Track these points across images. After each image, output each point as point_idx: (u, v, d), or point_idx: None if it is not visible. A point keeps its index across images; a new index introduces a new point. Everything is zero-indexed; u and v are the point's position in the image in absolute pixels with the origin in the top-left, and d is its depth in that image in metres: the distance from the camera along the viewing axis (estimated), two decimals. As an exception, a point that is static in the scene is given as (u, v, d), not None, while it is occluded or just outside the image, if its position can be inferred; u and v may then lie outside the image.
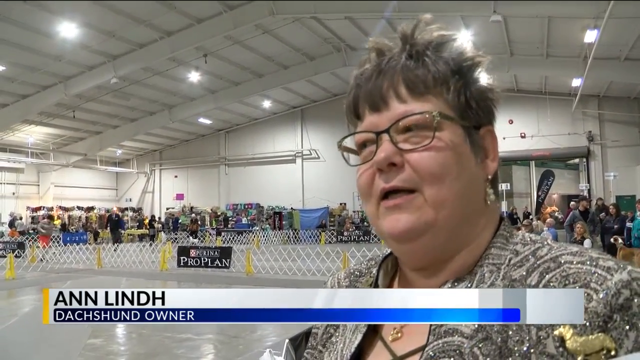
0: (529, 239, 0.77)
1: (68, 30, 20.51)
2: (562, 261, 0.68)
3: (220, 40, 22.77)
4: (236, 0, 20.57)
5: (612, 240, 12.57)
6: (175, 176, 42.28)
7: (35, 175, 38.26)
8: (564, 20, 18.86)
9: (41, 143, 35.31)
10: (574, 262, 0.67)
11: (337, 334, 0.89)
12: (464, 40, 0.85)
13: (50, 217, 28.33)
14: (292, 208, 35.85)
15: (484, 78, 0.82)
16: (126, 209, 40.83)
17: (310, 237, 31.84)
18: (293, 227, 34.22)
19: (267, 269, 15.81)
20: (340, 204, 35.04)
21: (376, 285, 0.88)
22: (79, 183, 40.22)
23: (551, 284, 0.66)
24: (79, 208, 37.74)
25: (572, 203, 15.80)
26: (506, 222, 0.82)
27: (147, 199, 43.65)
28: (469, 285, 0.74)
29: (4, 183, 35.85)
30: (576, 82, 24.11)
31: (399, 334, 0.79)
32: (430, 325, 0.72)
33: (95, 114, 31.59)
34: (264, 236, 30.78)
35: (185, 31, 21.94)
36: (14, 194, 36.41)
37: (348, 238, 30.44)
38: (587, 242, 12.31)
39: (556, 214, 25.40)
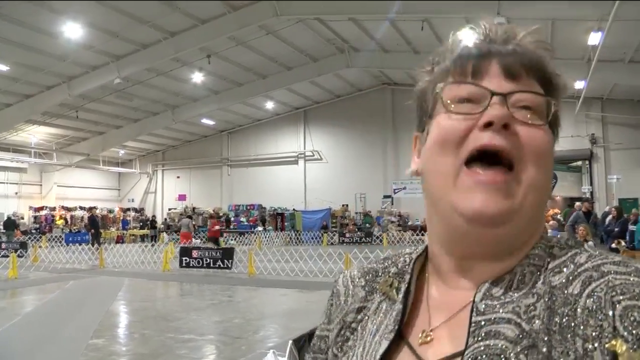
0: (564, 243, 0.74)
1: (72, 30, 20.56)
2: (606, 270, 0.64)
3: (224, 41, 22.79)
4: (240, 0, 20.59)
5: (614, 244, 12.55)
6: (178, 177, 42.33)
7: (38, 175, 38.34)
8: (568, 22, 18.84)
9: (44, 143, 35.37)
10: (620, 273, 0.63)
11: (354, 337, 0.83)
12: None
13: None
14: (294, 209, 35.85)
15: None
16: (128, 209, 40.90)
17: (312, 238, 31.85)
18: (295, 228, 34.22)
19: (269, 270, 15.81)
20: (343, 205, 35.03)
21: (408, 291, 0.81)
22: (82, 183, 40.28)
23: (595, 295, 0.62)
24: (81, 208, 37.78)
25: (577, 204, 15.76)
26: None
27: (150, 199, 43.71)
28: (510, 285, 0.69)
29: (7, 183, 35.92)
30: (580, 85, 24.05)
31: (428, 338, 0.73)
32: (470, 326, 0.67)
33: (98, 114, 31.65)
34: (266, 237, 30.78)
35: (189, 32, 21.97)
36: (16, 193, 36.49)
37: (350, 239, 30.42)
38: (589, 245, 12.29)
39: (558, 216, 25.36)
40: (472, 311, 0.68)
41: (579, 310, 0.61)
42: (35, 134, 33.50)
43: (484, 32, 0.79)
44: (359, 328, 0.83)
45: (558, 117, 0.78)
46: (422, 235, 25.80)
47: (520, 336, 0.63)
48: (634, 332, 0.57)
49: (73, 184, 39.47)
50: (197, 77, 27.10)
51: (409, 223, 32.22)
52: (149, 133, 36.21)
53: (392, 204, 32.89)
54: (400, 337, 0.77)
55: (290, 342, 3.80)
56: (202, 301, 11.49)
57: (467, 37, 0.80)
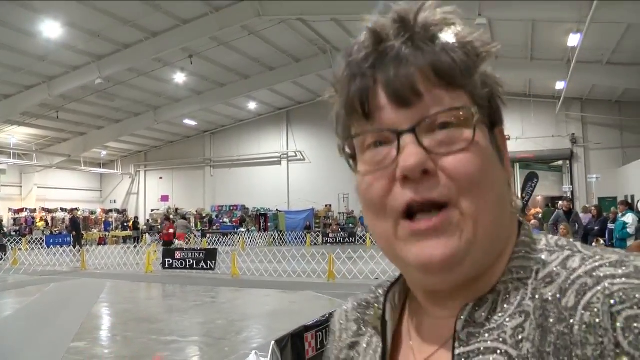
0: (554, 245, 0.64)
1: (52, 29, 20.33)
2: (602, 275, 0.55)
3: (206, 41, 22.71)
4: (222, 0, 20.54)
5: (594, 243, 12.73)
6: (160, 178, 42.07)
7: (18, 177, 37.84)
8: (548, 24, 19.07)
9: (24, 144, 34.91)
10: (618, 276, 0.54)
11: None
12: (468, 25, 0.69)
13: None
14: (277, 210, 35.82)
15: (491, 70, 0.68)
16: (111, 210, 40.56)
17: (295, 238, 31.85)
18: (278, 228, 34.20)
19: (252, 270, 15.80)
20: (326, 205, 35.09)
21: (384, 322, 0.73)
22: (63, 184, 39.85)
23: (592, 306, 0.53)
24: (62, 210, 37.38)
25: (560, 203, 15.96)
26: (526, 225, 0.68)
27: (132, 200, 43.38)
28: (493, 307, 0.61)
29: (-14, 184, 35.43)
30: (560, 85, 24.41)
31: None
32: (455, 356, 0.61)
33: (79, 115, 31.34)
34: (249, 238, 30.72)
35: (171, 32, 21.86)
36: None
37: (334, 240, 30.47)
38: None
39: (540, 215, 25.63)
40: (454, 342, 0.61)
41: (575, 326, 0.53)
42: (14, 135, 33.06)
43: (381, 31, 0.66)
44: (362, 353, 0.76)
45: (493, 98, 0.67)
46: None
47: None
48: (639, 346, 0.50)
49: (54, 185, 39.03)
50: (179, 78, 26.96)
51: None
52: (131, 134, 35.94)
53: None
54: None
55: (273, 342, 3.83)
56: (185, 302, 11.46)
57: (357, 51, 0.68)
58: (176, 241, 25.41)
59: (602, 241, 12.94)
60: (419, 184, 0.60)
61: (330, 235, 31.30)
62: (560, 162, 30.75)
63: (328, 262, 14.46)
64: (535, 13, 17.42)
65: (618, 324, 0.51)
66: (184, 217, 31.94)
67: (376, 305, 0.78)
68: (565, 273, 0.58)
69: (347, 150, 0.70)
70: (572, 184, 28.79)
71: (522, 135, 29.00)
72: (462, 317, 0.62)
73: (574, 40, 18.40)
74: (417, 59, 0.62)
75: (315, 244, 30.12)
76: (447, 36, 0.64)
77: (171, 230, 22.98)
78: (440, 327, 0.65)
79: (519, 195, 29.91)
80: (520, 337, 0.57)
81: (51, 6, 18.86)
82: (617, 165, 26.90)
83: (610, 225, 14.42)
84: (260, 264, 16.15)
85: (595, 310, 0.53)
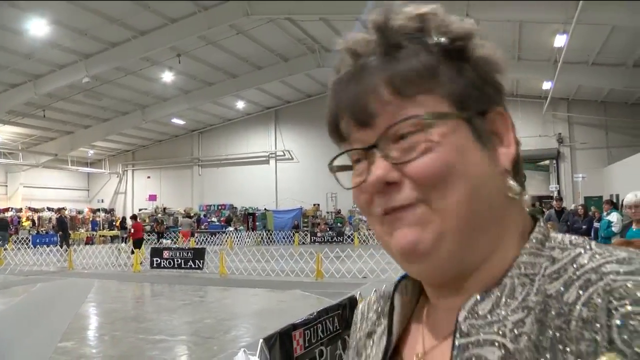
0: (568, 243, 0.63)
1: (38, 27, 20.21)
2: (606, 271, 0.55)
3: (194, 40, 22.68)
4: (211, 0, 20.50)
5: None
6: (148, 177, 41.92)
7: (3, 176, 37.57)
8: (535, 24, 19.25)
9: (9, 142, 34.63)
10: (622, 273, 0.54)
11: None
12: (445, 12, 0.70)
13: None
14: (265, 209, 35.80)
15: (484, 49, 0.69)
16: (98, 210, 40.32)
17: (283, 238, 31.86)
18: (267, 228, 34.18)
19: (240, 270, 15.80)
20: (314, 204, 35.13)
21: (391, 310, 0.76)
22: (50, 184, 39.59)
23: (591, 302, 0.53)
24: (49, 209, 37.11)
25: (554, 202, 16.12)
26: (542, 222, 0.68)
27: (120, 200, 43.18)
28: (497, 301, 0.62)
29: (-29, 183, 35.13)
30: (547, 85, 24.64)
31: (424, 353, 0.69)
32: (452, 349, 0.62)
33: (66, 114, 31.16)
34: (237, 237, 30.68)
35: (159, 31, 21.80)
36: (-20, 194, 35.70)
37: (322, 239, 30.50)
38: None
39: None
40: (454, 333, 0.63)
41: (573, 322, 0.54)
42: (0, 133, 32.80)
43: (356, 48, 0.69)
44: (364, 353, 0.79)
45: (478, 83, 0.67)
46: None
47: (504, 358, 0.57)
48: (633, 343, 0.50)
49: (40, 184, 38.75)
50: (167, 77, 26.90)
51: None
52: (119, 133, 35.78)
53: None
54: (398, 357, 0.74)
55: (261, 340, 3.85)
56: (174, 302, 11.44)
57: (337, 70, 0.72)
58: (164, 241, 25.30)
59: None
60: (387, 195, 0.64)
61: (319, 234, 31.34)
62: (547, 162, 31.00)
63: (316, 261, 14.50)
64: (522, 14, 17.59)
65: (614, 320, 0.51)
66: (188, 216, 31.88)
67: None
68: (572, 269, 0.58)
69: (341, 164, 0.73)
70: (558, 183, 29.04)
71: (509, 135, 29.17)
72: (465, 309, 0.63)
73: (560, 40, 18.59)
74: (373, 77, 0.66)
75: (303, 243, 30.14)
76: (414, 38, 0.66)
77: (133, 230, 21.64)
78: (446, 319, 0.67)
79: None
80: (519, 331, 0.57)
81: (37, 5, 18.74)
82: (603, 164, 27.19)
83: (595, 224, 14.56)
84: (248, 263, 16.15)
85: (594, 306, 0.53)
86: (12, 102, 26.40)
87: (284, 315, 8.08)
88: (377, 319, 0.80)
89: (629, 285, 0.52)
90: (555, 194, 27.19)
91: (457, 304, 0.65)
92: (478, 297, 0.63)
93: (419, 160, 0.62)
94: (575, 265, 0.58)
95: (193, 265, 16.32)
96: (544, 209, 17.95)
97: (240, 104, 34.72)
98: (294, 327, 4.40)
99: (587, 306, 0.53)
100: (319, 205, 35.14)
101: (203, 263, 16.25)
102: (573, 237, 0.65)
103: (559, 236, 0.65)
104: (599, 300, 0.53)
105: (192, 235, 30.38)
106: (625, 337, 0.50)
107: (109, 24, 20.84)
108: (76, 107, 30.01)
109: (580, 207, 16.11)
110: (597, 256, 0.57)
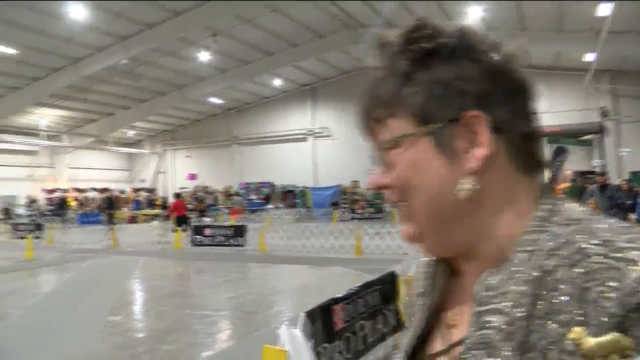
0: (574, 217, 0.69)
1: (77, 11, 20.55)
2: (589, 253, 0.62)
3: (229, 19, 22.72)
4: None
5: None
6: (188, 156, 42.50)
7: (50, 158, 38.63)
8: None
9: (54, 125, 35.60)
10: (600, 254, 0.61)
11: (412, 320, 0.89)
12: (414, 20, 0.76)
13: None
14: (304, 186, 35.96)
15: (466, 47, 0.73)
16: (140, 189, 41.19)
17: (322, 215, 31.97)
18: (305, 205, 34.35)
19: (280, 247, 15.98)
20: (353, 181, 35.07)
21: (433, 278, 0.85)
22: (93, 165, 40.61)
23: (577, 282, 0.61)
24: (93, 189, 38.10)
25: (597, 177, 15.78)
26: (546, 198, 0.74)
27: (161, 179, 44.01)
28: (505, 275, 0.69)
29: (20, 166, 36.24)
30: (589, 57, 23.86)
31: (453, 322, 0.78)
32: (472, 314, 0.70)
33: (106, 96, 31.77)
34: (276, 215, 30.94)
35: (194, 11, 21.90)
36: (29, 176, 36.81)
37: (361, 215, 30.51)
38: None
39: (567, 189, 25.27)
40: (473, 301, 0.70)
41: (559, 296, 0.61)
42: (44, 117, 33.69)
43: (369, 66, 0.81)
44: (415, 312, 0.88)
45: (440, 82, 0.72)
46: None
47: (506, 325, 0.65)
48: (599, 319, 0.57)
49: (84, 165, 39.79)
50: (203, 56, 27.07)
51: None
52: (158, 113, 36.32)
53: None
54: (440, 314, 0.83)
55: (303, 314, 3.92)
56: (216, 278, 11.67)
57: None
58: (205, 219, 25.71)
59: (632, 216, 12.73)
60: (386, 192, 0.79)
61: (358, 211, 31.33)
62: (589, 136, 30.15)
63: (355, 237, 14.56)
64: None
65: (588, 298, 0.59)
66: (237, 194, 32.37)
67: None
68: (568, 247, 0.64)
69: None
70: (602, 157, 28.25)
71: (549, 109, 28.49)
72: (480, 282, 0.71)
73: (604, 9, 17.94)
74: (366, 100, 0.79)
75: (342, 220, 30.21)
76: (398, 52, 0.75)
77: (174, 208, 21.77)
78: (472, 284, 0.73)
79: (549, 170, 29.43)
80: (519, 301, 0.65)
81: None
82: (650, 138, 26.35)
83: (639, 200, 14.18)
84: (288, 240, 16.30)
85: (574, 284, 0.60)
86: (55, 86, 27.06)
87: (324, 291, 8.17)
88: (424, 280, 0.88)
89: (601, 268, 0.59)
90: (598, 169, 26.53)
91: (477, 270, 0.73)
92: (489, 271, 0.71)
93: (392, 171, 0.76)
94: (571, 242, 0.64)
95: (234, 243, 16.55)
96: (585, 185, 17.53)
97: (277, 82, 34.77)
98: (335, 301, 4.46)
99: (569, 284, 0.61)
100: (358, 181, 35.06)
101: (244, 240, 16.47)
102: (579, 210, 0.70)
103: (568, 209, 0.71)
104: (581, 281, 0.60)
105: (242, 212, 30.92)
106: (593, 313, 0.58)
107: (144, 5, 21.03)
108: (115, 88, 30.55)
109: (624, 182, 15.68)
110: (590, 234, 0.64)
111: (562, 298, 0.61)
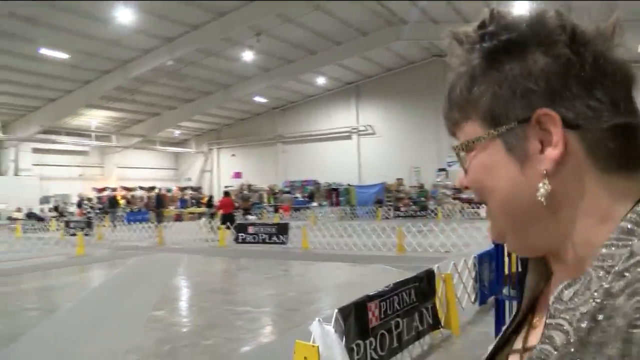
0: None
1: (123, 15, 21.04)
2: None
3: (272, 18, 22.85)
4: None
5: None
6: (233, 155, 43.02)
7: (100, 157, 39.78)
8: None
9: (104, 126, 36.62)
10: None
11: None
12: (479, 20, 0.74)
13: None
14: (348, 184, 35.93)
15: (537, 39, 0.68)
16: (186, 188, 41.93)
17: (366, 213, 31.88)
18: (350, 203, 34.32)
19: (323, 244, 15.99)
20: (397, 179, 34.83)
21: (522, 280, 0.84)
22: (141, 164, 41.58)
23: (628, 314, 0.54)
24: (141, 188, 39.01)
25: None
26: (638, 208, 0.63)
27: (206, 178, 44.70)
28: (578, 289, 0.62)
29: (72, 166, 37.45)
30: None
31: (536, 324, 0.76)
32: (544, 323, 0.65)
33: (152, 96, 32.45)
34: (320, 213, 31.00)
35: (237, 11, 22.11)
36: (80, 175, 38.00)
37: (405, 213, 30.27)
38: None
39: None
40: (547, 312, 0.65)
41: (613, 328, 0.54)
42: (95, 118, 34.69)
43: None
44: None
45: (509, 82, 0.68)
46: (477, 208, 25.40)
47: (563, 345, 0.59)
48: None
49: (132, 164, 40.80)
50: (247, 56, 27.30)
51: (464, 196, 31.76)
52: (203, 113, 36.88)
53: (447, 177, 32.50)
54: (533, 312, 0.81)
55: (336, 311, 3.90)
56: (258, 275, 11.77)
57: None
58: (249, 217, 25.95)
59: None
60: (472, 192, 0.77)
61: (402, 209, 31.10)
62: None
63: (397, 235, 14.44)
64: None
65: (634, 339, 0.52)
66: (288, 192, 32.80)
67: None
68: (636, 271, 0.56)
69: None
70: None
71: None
72: (554, 293, 0.65)
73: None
74: (444, 100, 0.77)
75: (386, 218, 30.04)
76: (456, 63, 0.74)
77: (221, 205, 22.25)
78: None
79: None
80: (581, 323, 0.58)
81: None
82: None
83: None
84: (331, 237, 16.30)
85: (629, 317, 0.53)
86: (104, 88, 27.80)
87: (365, 288, 8.09)
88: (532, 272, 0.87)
89: None
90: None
91: (562, 275, 0.69)
92: (565, 284, 0.64)
93: (467, 174, 0.75)
94: (637, 265, 0.56)
95: (277, 240, 16.67)
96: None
97: (321, 80, 34.80)
98: (370, 298, 4.43)
99: (624, 318, 0.53)
100: (402, 179, 34.81)
101: (287, 238, 16.56)
102: None
103: None
104: (630, 313, 0.53)
105: (292, 210, 31.19)
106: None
107: (188, 7, 21.34)
108: (161, 89, 31.16)
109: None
110: None
111: (613, 330, 0.54)
